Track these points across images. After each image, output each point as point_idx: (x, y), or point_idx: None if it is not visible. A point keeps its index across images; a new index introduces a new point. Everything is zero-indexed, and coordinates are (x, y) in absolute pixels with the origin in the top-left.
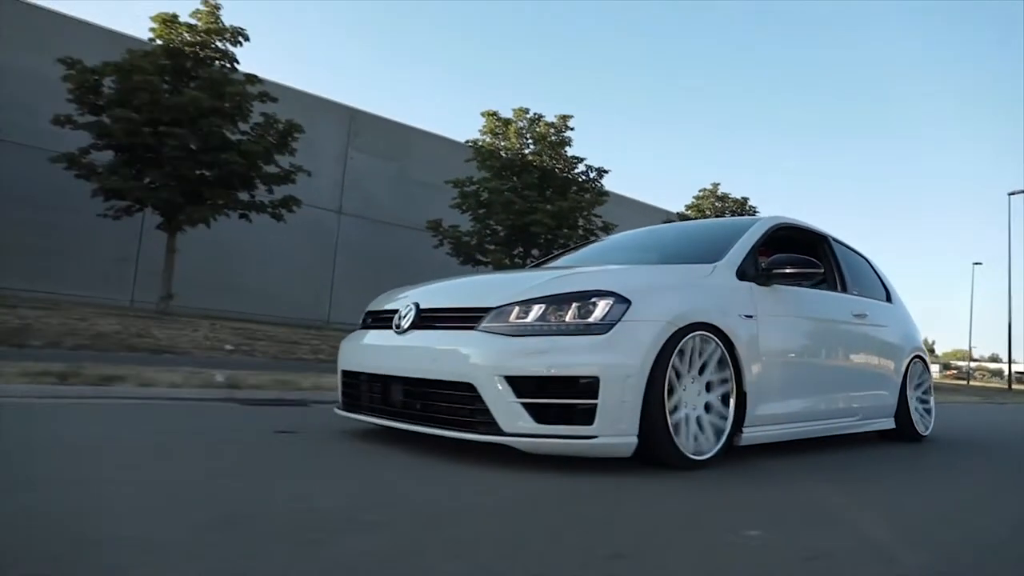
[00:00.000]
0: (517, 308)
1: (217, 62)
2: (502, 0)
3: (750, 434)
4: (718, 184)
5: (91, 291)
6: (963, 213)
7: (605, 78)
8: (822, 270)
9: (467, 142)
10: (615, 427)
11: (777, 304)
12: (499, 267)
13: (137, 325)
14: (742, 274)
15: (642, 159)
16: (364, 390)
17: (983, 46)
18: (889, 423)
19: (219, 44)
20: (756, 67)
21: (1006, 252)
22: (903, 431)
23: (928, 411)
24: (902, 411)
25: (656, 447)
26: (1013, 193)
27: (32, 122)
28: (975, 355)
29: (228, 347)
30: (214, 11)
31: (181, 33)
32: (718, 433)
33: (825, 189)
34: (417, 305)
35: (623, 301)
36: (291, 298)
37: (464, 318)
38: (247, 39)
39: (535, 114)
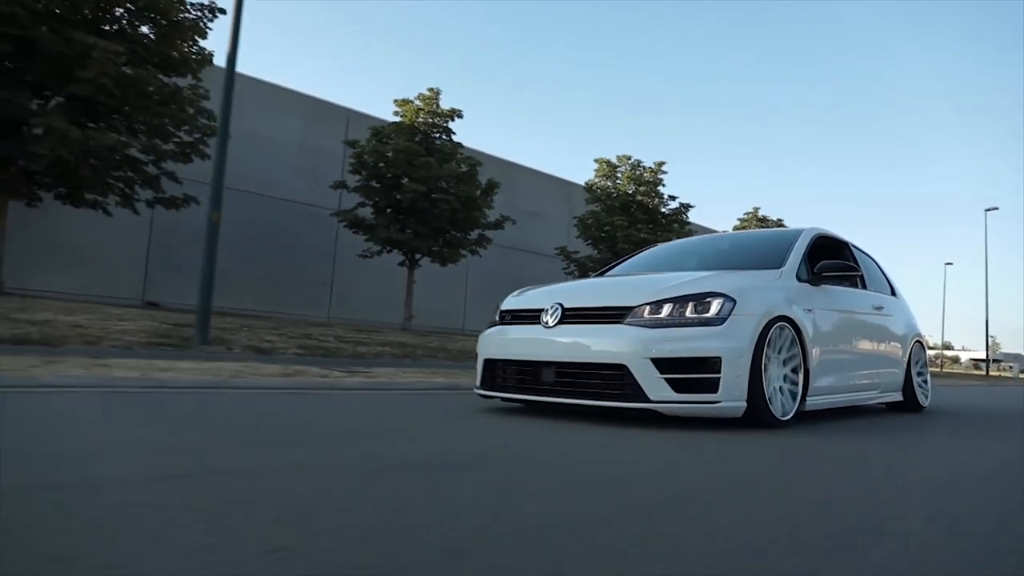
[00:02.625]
0: (650, 306)
1: (440, 136)
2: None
3: (811, 402)
4: (758, 208)
5: (299, 310)
6: (936, 218)
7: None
8: (860, 272)
9: (584, 184)
10: (732, 395)
11: (826, 300)
12: None
13: (437, 341)
14: (799, 276)
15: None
16: (512, 374)
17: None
18: (898, 396)
19: (439, 122)
20: (754, 83)
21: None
22: (908, 403)
23: (926, 386)
24: (908, 386)
25: (757, 410)
26: (989, 209)
27: (254, 174)
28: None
29: None
30: (435, 96)
31: (418, 115)
32: (793, 399)
33: (809, 194)
34: (561, 305)
35: (731, 300)
36: (439, 311)
37: (608, 315)
38: (461, 116)
39: (636, 160)
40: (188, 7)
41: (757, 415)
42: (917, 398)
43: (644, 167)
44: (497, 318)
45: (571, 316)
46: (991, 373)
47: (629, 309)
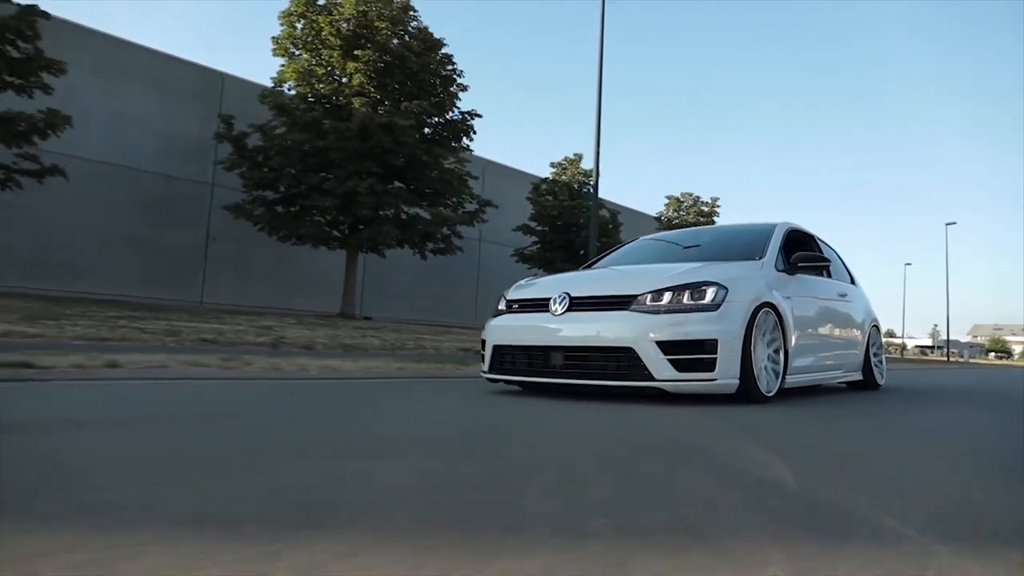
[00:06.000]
0: (652, 294)
1: (583, 189)
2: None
3: (790, 380)
4: None
5: (454, 319)
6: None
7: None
8: (830, 262)
9: (655, 214)
10: (727, 373)
11: (800, 288)
12: None
13: None
14: (777, 266)
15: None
16: (521, 358)
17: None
18: (858, 375)
19: (582, 179)
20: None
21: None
22: (867, 382)
23: (882, 366)
24: (866, 366)
25: (747, 386)
26: (949, 224)
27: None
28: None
29: None
30: (578, 159)
31: (573, 176)
32: (775, 377)
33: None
34: (568, 294)
35: (723, 288)
36: None
37: (614, 303)
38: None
39: (696, 196)
40: (463, 113)
41: (748, 391)
42: (875, 377)
43: (703, 201)
44: (503, 307)
45: (578, 304)
46: (950, 360)
47: (633, 297)
